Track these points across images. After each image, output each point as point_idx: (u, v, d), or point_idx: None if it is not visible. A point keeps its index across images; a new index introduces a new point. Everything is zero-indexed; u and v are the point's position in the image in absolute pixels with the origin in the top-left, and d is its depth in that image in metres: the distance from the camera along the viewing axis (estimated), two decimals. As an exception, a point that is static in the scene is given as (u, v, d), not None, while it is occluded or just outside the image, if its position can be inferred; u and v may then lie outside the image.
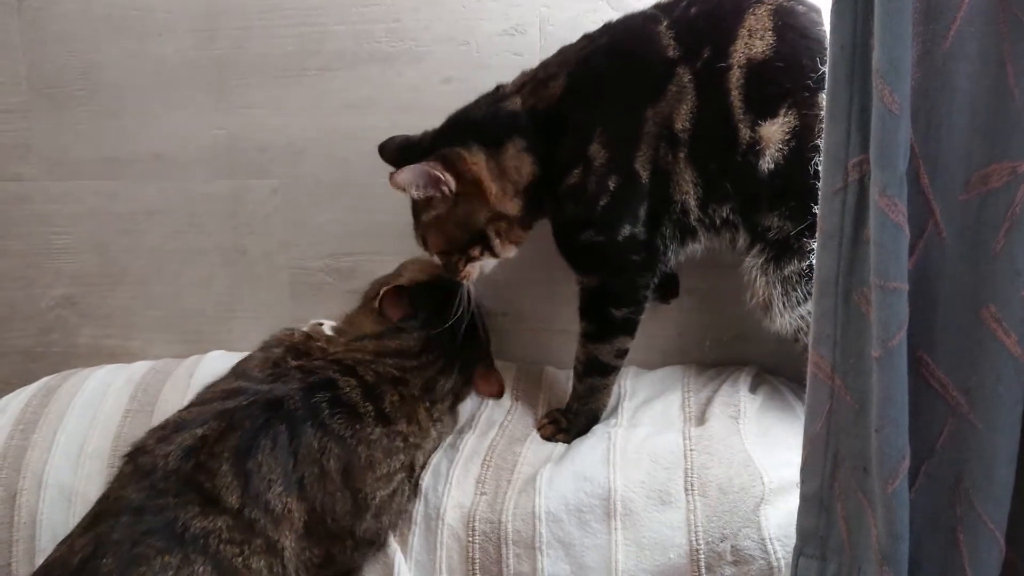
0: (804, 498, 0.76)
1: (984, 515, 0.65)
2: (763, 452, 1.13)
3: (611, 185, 1.18)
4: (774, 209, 1.12)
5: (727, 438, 1.16)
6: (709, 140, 1.14)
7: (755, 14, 1.11)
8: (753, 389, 1.32)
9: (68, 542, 0.96)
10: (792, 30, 1.10)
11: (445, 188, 1.22)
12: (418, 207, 1.29)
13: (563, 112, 1.22)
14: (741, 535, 1.04)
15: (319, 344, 1.26)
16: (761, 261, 1.14)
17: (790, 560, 0.79)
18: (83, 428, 1.34)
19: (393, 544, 1.14)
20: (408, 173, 1.20)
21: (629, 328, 1.26)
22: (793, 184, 1.09)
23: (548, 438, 1.28)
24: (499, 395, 1.39)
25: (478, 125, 1.25)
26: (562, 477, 1.14)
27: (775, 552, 1.01)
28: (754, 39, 1.11)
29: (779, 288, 1.12)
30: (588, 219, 1.21)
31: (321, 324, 1.33)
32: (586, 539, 1.09)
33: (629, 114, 1.18)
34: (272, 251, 1.58)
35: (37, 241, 1.64)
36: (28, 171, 1.61)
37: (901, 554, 0.66)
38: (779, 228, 1.12)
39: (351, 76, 1.48)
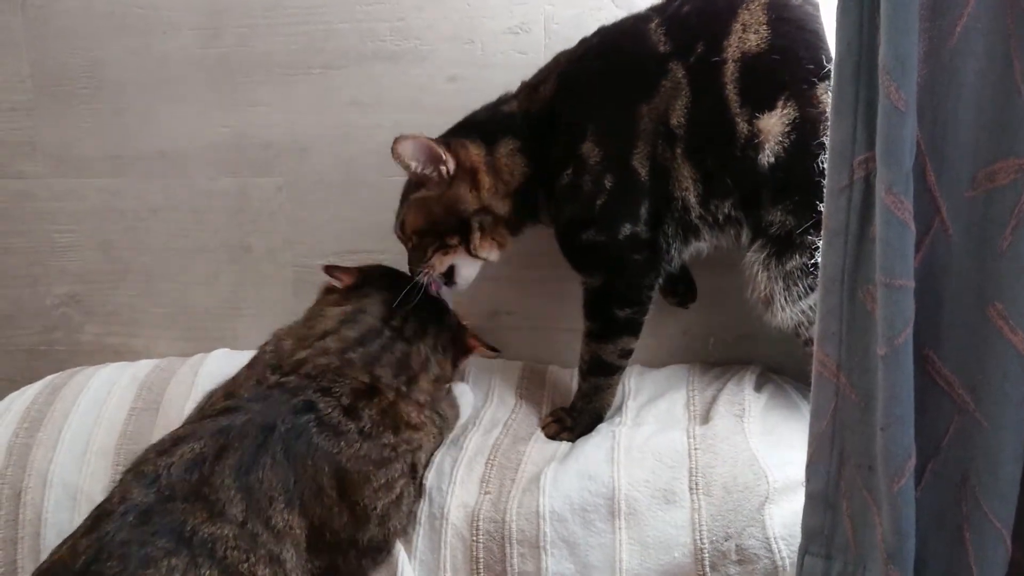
0: (809, 496, 0.76)
1: (990, 513, 0.65)
2: (768, 451, 1.13)
3: (608, 184, 1.18)
4: (776, 204, 1.12)
5: (731, 437, 1.16)
6: (706, 135, 1.14)
7: (749, 9, 1.12)
8: (758, 388, 1.32)
9: (69, 544, 0.95)
10: (787, 23, 1.10)
11: (443, 168, 1.22)
12: (410, 186, 1.29)
13: (555, 113, 1.23)
14: (746, 534, 1.03)
15: (288, 346, 1.21)
16: (763, 256, 1.14)
17: (795, 559, 0.79)
18: (88, 426, 1.34)
19: (397, 544, 1.14)
20: (411, 144, 1.21)
21: (633, 328, 1.26)
22: (794, 178, 1.09)
23: (552, 437, 1.28)
24: (482, 350, 1.36)
25: (479, 125, 1.28)
26: (566, 476, 1.14)
27: (780, 551, 1.01)
28: (748, 33, 1.11)
29: (781, 283, 1.12)
30: (588, 219, 1.21)
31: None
32: (590, 538, 1.09)
33: (622, 111, 1.18)
34: (277, 249, 1.58)
35: (41, 239, 1.65)
36: (32, 169, 1.61)
37: (907, 552, 0.66)
38: (781, 223, 1.12)
39: (356, 74, 1.48)
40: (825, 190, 0.69)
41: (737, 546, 1.03)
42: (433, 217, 1.26)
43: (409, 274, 1.29)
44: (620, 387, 1.35)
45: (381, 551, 1.12)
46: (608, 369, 1.28)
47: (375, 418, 1.11)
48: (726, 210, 1.17)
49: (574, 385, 1.35)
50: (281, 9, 1.48)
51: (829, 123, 0.68)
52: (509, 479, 1.18)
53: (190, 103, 1.54)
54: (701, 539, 1.05)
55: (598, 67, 1.22)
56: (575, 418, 1.30)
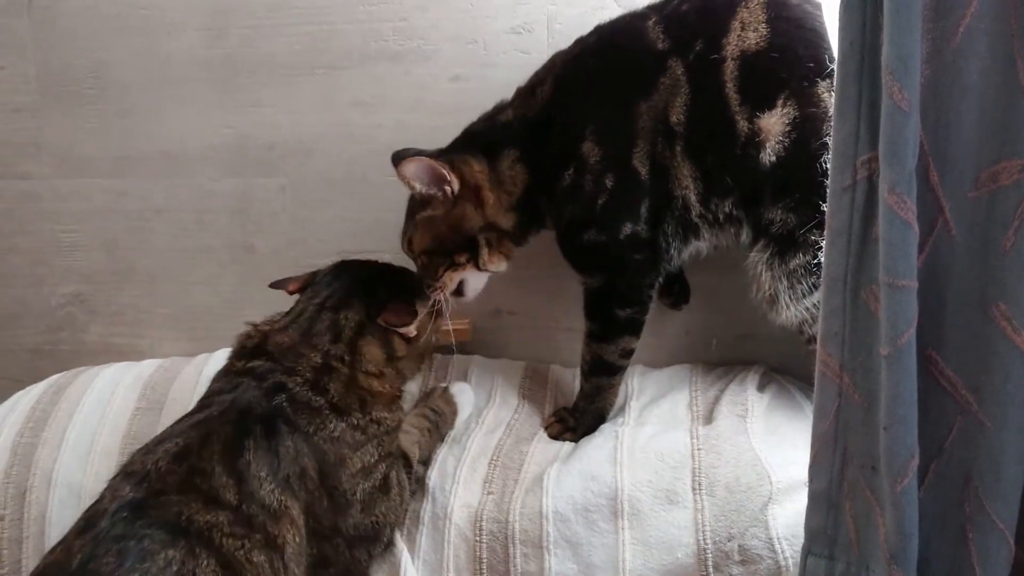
0: (812, 497, 0.76)
1: (993, 514, 0.65)
2: (771, 451, 1.13)
3: (608, 183, 1.18)
4: (777, 202, 1.12)
5: (734, 437, 1.16)
6: (705, 133, 1.14)
7: (747, 7, 1.12)
8: (761, 388, 1.32)
9: (63, 545, 0.95)
10: (786, 21, 1.10)
11: (447, 188, 1.22)
12: (414, 204, 1.29)
13: (552, 115, 1.23)
14: (749, 534, 1.03)
15: (260, 328, 1.21)
16: (766, 256, 1.14)
17: (798, 559, 0.79)
18: (92, 426, 1.35)
19: (400, 543, 1.14)
20: (416, 165, 1.21)
21: (634, 328, 1.26)
22: (796, 176, 1.09)
23: (555, 437, 1.28)
24: (399, 324, 1.20)
25: (478, 138, 1.27)
26: (569, 476, 1.14)
27: (783, 551, 1.01)
28: (747, 31, 1.11)
29: (785, 282, 1.12)
30: (588, 219, 1.21)
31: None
32: (593, 538, 1.09)
33: (621, 109, 1.18)
34: (280, 249, 1.59)
35: (46, 239, 1.65)
36: (37, 169, 1.61)
37: (910, 553, 0.66)
38: (782, 222, 1.12)
39: (359, 74, 1.48)
40: (828, 190, 0.69)
41: (740, 546, 1.03)
42: (440, 236, 1.26)
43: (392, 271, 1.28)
44: (623, 387, 1.35)
45: (373, 541, 1.11)
46: (610, 369, 1.28)
47: (340, 391, 1.11)
48: (726, 209, 1.17)
49: (577, 385, 1.35)
50: (285, 10, 1.48)
51: (832, 123, 0.68)
52: (512, 479, 1.18)
53: (194, 104, 1.55)
54: (704, 539, 1.05)
55: (596, 65, 1.22)
56: (578, 418, 1.30)
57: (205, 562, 0.91)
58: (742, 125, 1.11)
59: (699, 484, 1.10)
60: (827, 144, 1.03)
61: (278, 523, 0.99)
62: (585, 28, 1.26)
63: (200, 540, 0.92)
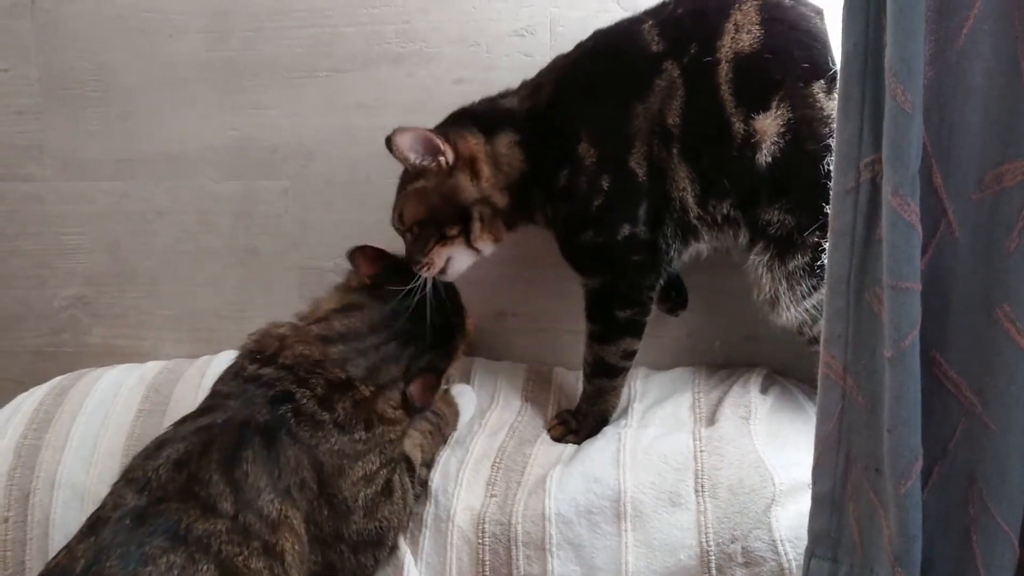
0: (816, 499, 0.76)
1: (997, 516, 0.65)
2: (774, 453, 1.12)
3: (604, 184, 1.19)
4: (774, 203, 1.12)
5: (737, 439, 1.16)
6: (701, 135, 1.14)
7: (741, 10, 1.12)
8: (764, 390, 1.32)
9: (67, 551, 0.96)
10: (780, 23, 1.10)
11: (442, 159, 1.21)
12: (407, 177, 1.28)
13: (552, 116, 1.23)
14: (752, 536, 1.03)
15: (280, 333, 1.18)
16: (766, 258, 1.14)
17: (801, 562, 0.79)
18: (96, 428, 1.35)
19: (403, 546, 1.14)
20: (409, 136, 1.20)
21: (634, 329, 1.26)
22: (792, 177, 1.09)
23: (558, 439, 1.28)
24: (423, 407, 1.20)
25: (477, 116, 1.27)
26: (572, 478, 1.14)
27: (786, 553, 1.01)
28: (741, 33, 1.11)
29: (784, 284, 1.12)
30: (586, 220, 1.21)
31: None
32: (596, 540, 1.09)
33: (617, 111, 1.18)
34: (283, 251, 1.59)
35: (49, 241, 1.65)
36: (40, 171, 1.62)
37: (914, 555, 0.65)
38: (780, 223, 1.12)
39: (362, 77, 1.48)
40: (831, 192, 0.69)
41: (743, 548, 1.03)
42: (433, 207, 1.24)
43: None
44: (625, 389, 1.35)
45: (377, 546, 1.11)
46: (611, 371, 1.28)
47: (348, 410, 1.11)
48: (724, 210, 1.17)
49: (580, 387, 1.35)
50: (287, 12, 1.48)
51: (835, 125, 0.68)
52: (515, 481, 1.18)
53: (196, 106, 1.55)
54: (707, 541, 1.05)
55: (592, 68, 1.23)
56: (580, 420, 1.30)
57: (205, 567, 0.92)
58: (737, 127, 1.11)
59: (702, 486, 1.10)
60: (823, 145, 1.03)
61: (277, 532, 0.99)
62: (588, 31, 1.26)
63: (199, 547, 0.93)
